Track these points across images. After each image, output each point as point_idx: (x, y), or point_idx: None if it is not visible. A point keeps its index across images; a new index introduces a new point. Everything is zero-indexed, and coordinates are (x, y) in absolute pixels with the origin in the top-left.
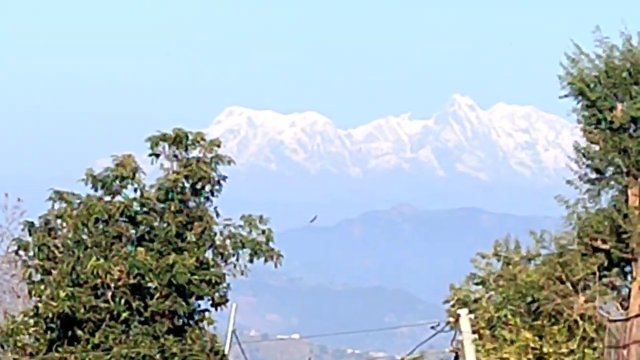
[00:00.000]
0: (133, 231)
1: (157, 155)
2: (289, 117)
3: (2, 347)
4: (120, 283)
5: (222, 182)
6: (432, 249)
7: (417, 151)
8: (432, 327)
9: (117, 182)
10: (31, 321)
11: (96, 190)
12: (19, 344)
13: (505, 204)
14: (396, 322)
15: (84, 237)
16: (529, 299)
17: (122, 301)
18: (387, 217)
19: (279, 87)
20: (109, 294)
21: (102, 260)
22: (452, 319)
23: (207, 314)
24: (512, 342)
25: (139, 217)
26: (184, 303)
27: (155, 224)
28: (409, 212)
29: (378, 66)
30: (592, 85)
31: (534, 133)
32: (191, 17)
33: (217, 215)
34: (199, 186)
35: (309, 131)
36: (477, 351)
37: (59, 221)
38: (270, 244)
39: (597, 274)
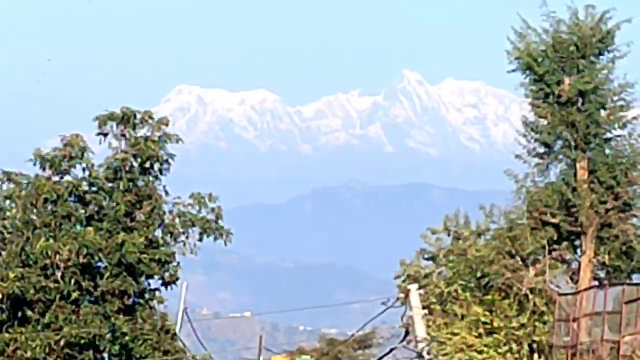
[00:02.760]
0: (82, 211)
1: (105, 135)
2: (239, 94)
3: None
4: (69, 263)
5: (170, 160)
6: (382, 224)
7: (367, 127)
8: (383, 303)
9: (66, 161)
10: None
11: (44, 170)
12: None
13: (455, 179)
14: (347, 298)
15: (33, 217)
16: (479, 273)
17: (72, 281)
18: (337, 193)
19: (228, 65)
20: (59, 274)
21: (51, 241)
22: (402, 295)
23: (157, 293)
24: (463, 317)
25: (88, 197)
26: (134, 282)
27: (104, 203)
28: (359, 188)
29: (327, 43)
30: (539, 60)
31: (483, 108)
32: None
33: (167, 193)
34: (147, 165)
35: (259, 109)
36: (428, 326)
37: (7, 202)
38: (220, 222)
39: (547, 247)
